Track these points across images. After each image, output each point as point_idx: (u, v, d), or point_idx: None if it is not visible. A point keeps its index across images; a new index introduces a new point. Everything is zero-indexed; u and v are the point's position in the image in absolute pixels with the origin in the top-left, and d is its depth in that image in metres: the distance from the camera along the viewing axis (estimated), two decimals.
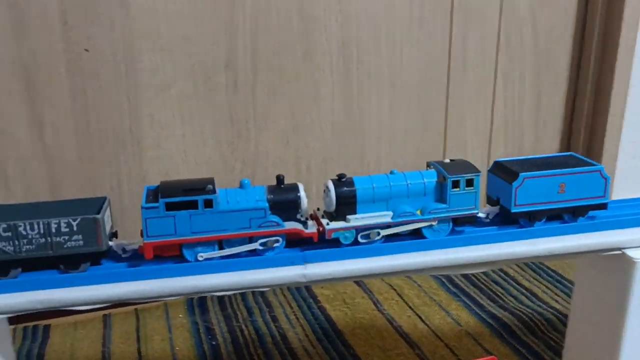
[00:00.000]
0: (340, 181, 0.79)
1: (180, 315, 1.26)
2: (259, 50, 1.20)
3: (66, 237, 0.71)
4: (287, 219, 0.77)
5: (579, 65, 1.48)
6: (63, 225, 0.70)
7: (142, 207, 0.72)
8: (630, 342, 0.85)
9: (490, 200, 0.88)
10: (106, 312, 1.27)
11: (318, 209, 0.82)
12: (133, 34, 1.12)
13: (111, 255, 0.76)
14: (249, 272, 0.76)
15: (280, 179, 0.78)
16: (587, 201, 0.84)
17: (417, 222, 0.80)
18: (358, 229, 0.78)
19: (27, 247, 0.70)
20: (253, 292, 1.34)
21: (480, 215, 0.84)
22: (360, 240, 0.79)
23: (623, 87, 1.42)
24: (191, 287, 0.75)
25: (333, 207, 0.79)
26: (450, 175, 0.79)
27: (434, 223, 0.80)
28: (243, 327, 1.21)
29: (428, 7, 1.31)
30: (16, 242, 0.70)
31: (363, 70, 1.29)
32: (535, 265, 1.44)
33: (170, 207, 0.72)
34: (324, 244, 0.79)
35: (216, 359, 1.11)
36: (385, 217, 0.79)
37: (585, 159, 0.87)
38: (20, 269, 0.72)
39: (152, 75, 1.15)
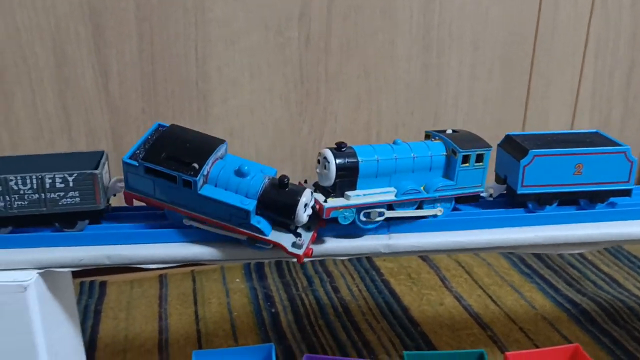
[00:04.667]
0: (341, 151, 0.68)
1: (237, 280, 1.22)
2: (335, 2, 1.12)
3: (61, 194, 0.65)
4: (279, 224, 0.66)
5: None
6: (58, 180, 0.65)
7: (123, 160, 0.66)
8: None
9: (498, 179, 0.78)
10: (162, 272, 1.24)
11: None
12: None
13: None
14: (327, 240, 0.70)
15: (283, 181, 0.66)
16: (607, 186, 0.74)
17: (423, 202, 0.71)
18: (359, 208, 0.68)
19: (19, 203, 0.65)
20: (312, 260, 1.28)
21: (483, 194, 0.75)
22: (359, 221, 0.69)
23: None
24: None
25: (331, 182, 0.68)
26: (462, 149, 0.70)
27: (439, 204, 0.72)
28: (303, 295, 1.16)
29: None
30: (7, 198, 0.64)
31: (444, 29, 1.20)
32: (615, 250, 1.34)
33: (149, 171, 0.65)
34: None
35: (276, 327, 1.07)
36: (389, 194, 0.70)
37: (613, 139, 0.76)
38: (10, 227, 0.67)
39: (223, 25, 1.08)
